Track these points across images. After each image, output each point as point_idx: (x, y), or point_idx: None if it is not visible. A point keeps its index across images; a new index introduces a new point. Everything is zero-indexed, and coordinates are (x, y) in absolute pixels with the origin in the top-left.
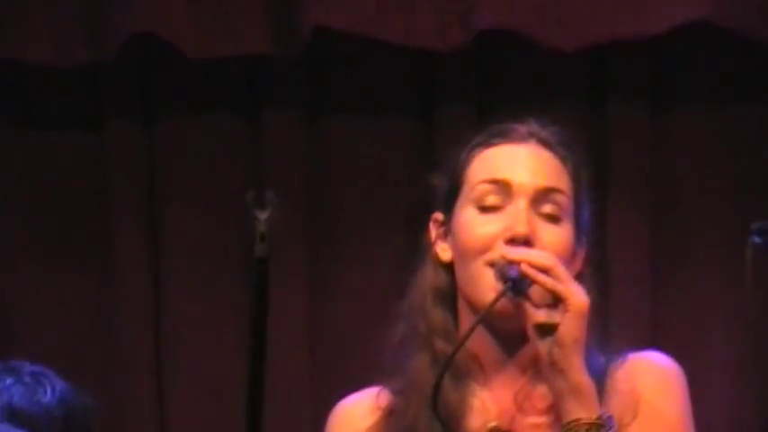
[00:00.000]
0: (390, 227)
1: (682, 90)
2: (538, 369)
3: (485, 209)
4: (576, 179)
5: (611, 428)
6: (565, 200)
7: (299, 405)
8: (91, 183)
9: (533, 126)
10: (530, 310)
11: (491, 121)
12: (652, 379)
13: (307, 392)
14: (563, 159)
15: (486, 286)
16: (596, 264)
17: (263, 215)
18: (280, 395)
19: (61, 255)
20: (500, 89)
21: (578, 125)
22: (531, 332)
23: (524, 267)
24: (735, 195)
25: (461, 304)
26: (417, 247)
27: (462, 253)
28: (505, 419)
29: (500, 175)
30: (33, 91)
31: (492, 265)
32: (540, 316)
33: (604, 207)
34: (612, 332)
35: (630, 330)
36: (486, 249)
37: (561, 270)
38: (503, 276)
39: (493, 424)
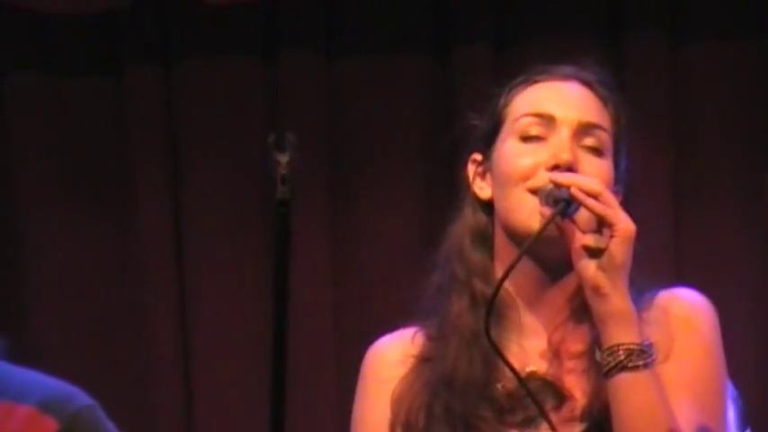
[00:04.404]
0: (409, 166)
1: (701, 24)
2: (573, 310)
3: (527, 139)
4: (615, 121)
5: (651, 355)
6: (606, 137)
7: (322, 347)
8: (111, 128)
9: (575, 67)
10: (576, 233)
11: (508, 60)
12: (683, 315)
13: (329, 334)
14: (604, 100)
15: (528, 211)
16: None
17: (283, 158)
18: (303, 337)
19: (84, 199)
20: (517, 29)
21: (594, 62)
22: (575, 255)
23: (574, 191)
24: (755, 132)
25: (499, 244)
26: (436, 186)
27: (504, 182)
28: (542, 364)
29: (544, 109)
30: (54, 39)
31: (534, 191)
32: (588, 239)
33: None
34: (637, 269)
35: (653, 267)
36: (528, 177)
37: (609, 195)
38: (552, 199)
39: (531, 368)
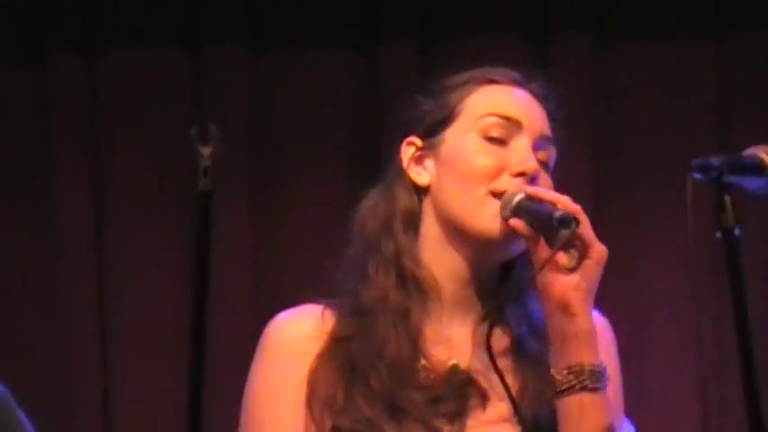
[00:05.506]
0: (332, 160)
1: (625, 25)
2: (493, 307)
3: (490, 139)
4: (556, 137)
5: (607, 377)
6: (553, 152)
7: (242, 338)
8: (33, 117)
9: (526, 74)
10: (544, 249)
11: (433, 58)
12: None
13: (249, 325)
14: (550, 114)
15: (490, 216)
16: None
17: (205, 150)
18: (223, 328)
19: (3, 189)
20: (443, 27)
21: (520, 60)
22: (541, 270)
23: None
24: (678, 133)
25: (429, 231)
26: (357, 180)
27: (462, 178)
28: (464, 357)
29: (511, 113)
30: None
31: (497, 195)
32: (561, 257)
33: None
34: None
35: None
36: (492, 178)
37: (585, 216)
38: (524, 212)
39: (453, 361)
